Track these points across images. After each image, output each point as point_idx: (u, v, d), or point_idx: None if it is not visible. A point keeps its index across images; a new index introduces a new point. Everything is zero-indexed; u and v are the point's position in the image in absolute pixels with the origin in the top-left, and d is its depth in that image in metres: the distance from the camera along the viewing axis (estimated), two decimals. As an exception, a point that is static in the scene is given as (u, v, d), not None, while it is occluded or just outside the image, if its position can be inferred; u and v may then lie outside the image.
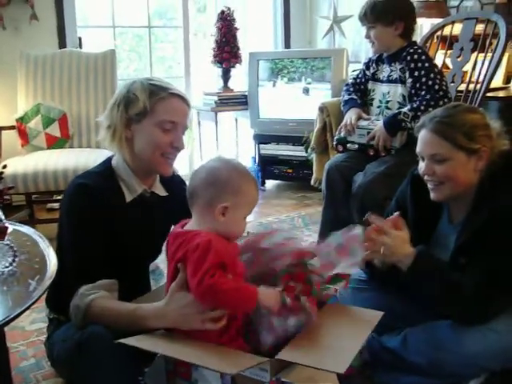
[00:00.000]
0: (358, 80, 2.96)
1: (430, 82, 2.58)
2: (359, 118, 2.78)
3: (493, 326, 1.71)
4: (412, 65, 2.64)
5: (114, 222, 1.71)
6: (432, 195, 1.83)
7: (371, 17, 2.69)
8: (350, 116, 2.79)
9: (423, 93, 2.59)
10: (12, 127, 3.63)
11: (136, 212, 1.78)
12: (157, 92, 1.71)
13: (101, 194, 1.70)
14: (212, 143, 4.76)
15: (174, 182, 1.90)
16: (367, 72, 2.92)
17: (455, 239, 1.82)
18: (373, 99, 2.88)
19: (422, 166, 1.83)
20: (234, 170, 1.51)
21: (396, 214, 1.85)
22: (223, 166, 1.52)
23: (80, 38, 4.39)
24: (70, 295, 1.61)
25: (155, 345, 1.45)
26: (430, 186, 1.82)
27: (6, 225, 1.54)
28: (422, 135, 1.80)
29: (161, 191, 1.88)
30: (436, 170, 1.77)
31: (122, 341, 1.42)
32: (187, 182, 1.62)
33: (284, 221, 3.83)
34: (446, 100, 2.56)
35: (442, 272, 1.75)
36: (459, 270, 1.75)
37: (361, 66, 3.01)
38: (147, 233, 1.79)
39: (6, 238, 1.52)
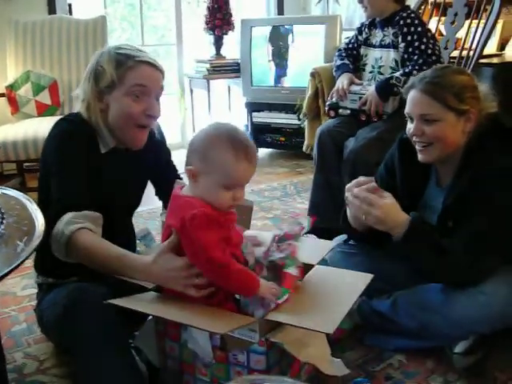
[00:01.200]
0: (351, 45, 2.93)
1: (423, 47, 2.56)
2: (351, 83, 2.76)
3: (482, 288, 1.71)
4: (405, 29, 2.61)
5: (92, 169, 1.69)
6: (420, 157, 1.82)
7: None
8: (342, 81, 2.77)
9: (416, 57, 2.57)
10: (2, 95, 3.61)
11: (110, 163, 1.76)
12: (124, 61, 1.67)
13: (85, 142, 1.70)
14: (204, 111, 4.72)
15: (150, 135, 1.84)
16: (359, 37, 2.89)
17: (442, 201, 1.82)
18: (365, 64, 2.85)
19: (410, 127, 1.83)
20: (212, 135, 1.45)
21: (372, 184, 1.82)
22: (206, 130, 1.47)
23: (70, 5, 4.32)
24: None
25: (144, 306, 1.46)
26: (418, 147, 1.82)
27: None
28: (412, 96, 1.80)
29: None
30: (425, 130, 1.77)
31: (112, 301, 1.42)
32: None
33: (276, 188, 3.83)
34: (438, 65, 2.54)
35: (434, 239, 1.74)
36: (447, 233, 1.76)
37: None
38: (120, 184, 1.78)
39: (-6, 200, 1.51)
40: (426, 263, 1.76)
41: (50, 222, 1.55)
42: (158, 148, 1.95)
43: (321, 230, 2.32)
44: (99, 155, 1.74)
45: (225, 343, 1.44)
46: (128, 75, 1.66)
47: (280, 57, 4.52)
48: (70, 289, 1.61)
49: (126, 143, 1.77)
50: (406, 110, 1.83)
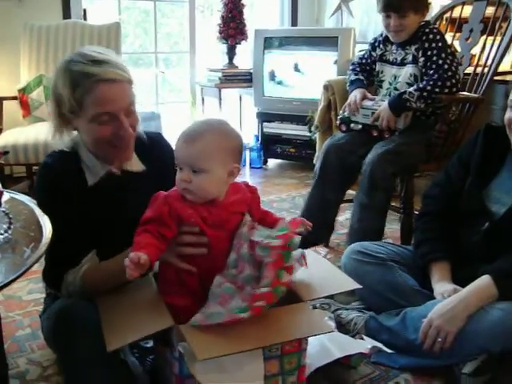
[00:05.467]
0: (364, 60, 2.90)
1: (441, 62, 2.53)
2: (364, 97, 2.73)
3: (498, 305, 1.74)
4: (426, 44, 2.59)
5: (78, 206, 1.61)
6: None
7: (406, 5, 2.58)
8: (355, 95, 2.74)
9: (432, 72, 2.54)
10: (14, 98, 3.62)
11: (102, 196, 1.65)
12: (78, 83, 1.53)
13: (62, 178, 1.62)
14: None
15: (155, 151, 1.75)
16: (373, 53, 2.85)
17: None
18: (382, 81, 2.81)
19: (511, 115, 1.88)
20: None
21: None
22: None
23: (85, 10, 4.34)
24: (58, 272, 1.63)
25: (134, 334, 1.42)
26: None
27: (2, 191, 1.51)
28: None
29: (136, 166, 1.73)
30: None
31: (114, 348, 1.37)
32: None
33: (285, 200, 3.81)
34: (453, 81, 2.52)
35: None
36: None
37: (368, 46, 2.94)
38: (119, 217, 1.59)
39: (2, 205, 1.50)
40: None
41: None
42: (163, 161, 1.75)
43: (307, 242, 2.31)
44: (85, 189, 1.65)
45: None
46: (86, 101, 1.53)
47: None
48: (61, 304, 1.61)
49: (112, 162, 1.67)
50: None
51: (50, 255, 1.60)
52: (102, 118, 1.55)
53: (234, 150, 1.52)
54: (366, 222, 2.53)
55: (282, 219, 1.68)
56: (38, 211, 1.53)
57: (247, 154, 4.82)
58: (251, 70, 4.73)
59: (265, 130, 4.73)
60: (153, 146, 1.77)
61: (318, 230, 2.05)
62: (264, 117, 4.72)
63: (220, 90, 4.66)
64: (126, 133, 1.58)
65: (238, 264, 1.46)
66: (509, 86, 3.26)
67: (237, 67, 4.82)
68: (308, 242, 2.33)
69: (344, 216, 3.36)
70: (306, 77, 4.47)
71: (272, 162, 4.90)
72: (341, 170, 2.64)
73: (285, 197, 3.90)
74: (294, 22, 5.25)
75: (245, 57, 4.99)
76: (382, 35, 2.82)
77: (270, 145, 4.74)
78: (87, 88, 1.52)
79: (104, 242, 1.61)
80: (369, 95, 2.75)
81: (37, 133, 3.21)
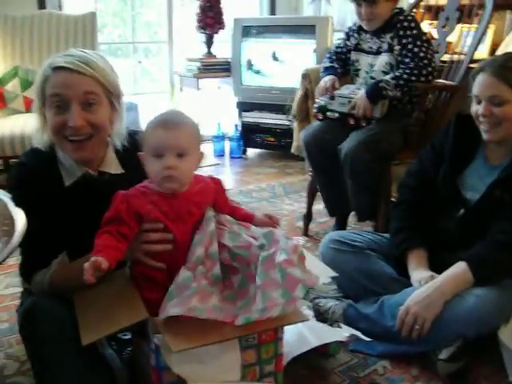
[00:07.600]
0: (340, 49, 2.90)
1: (416, 49, 2.54)
2: (333, 84, 2.73)
3: (474, 291, 1.77)
4: (401, 32, 2.59)
5: (53, 206, 1.60)
6: (486, 136, 1.92)
7: None
8: (325, 80, 2.75)
9: (407, 60, 2.54)
10: (-11, 90, 3.57)
11: (78, 197, 1.64)
12: (44, 72, 1.59)
13: (37, 177, 1.62)
14: (194, 110, 4.69)
15: (136, 155, 1.61)
16: (348, 42, 2.85)
17: (500, 172, 1.91)
18: (358, 70, 2.82)
19: (477, 108, 1.91)
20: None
21: None
22: None
23: (60, 0, 4.29)
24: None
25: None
26: (484, 127, 1.91)
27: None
28: (482, 78, 1.89)
29: (115, 169, 1.71)
30: (494, 111, 1.86)
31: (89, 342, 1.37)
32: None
33: (264, 189, 3.81)
34: (429, 69, 2.53)
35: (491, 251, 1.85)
36: (490, 202, 1.89)
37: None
38: (93, 219, 1.50)
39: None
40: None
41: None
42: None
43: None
44: (62, 190, 1.64)
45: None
46: (46, 86, 1.58)
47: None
48: (28, 303, 1.60)
49: (77, 161, 1.65)
50: (474, 92, 1.92)
51: (23, 252, 1.60)
52: (53, 102, 1.57)
53: (200, 139, 1.56)
54: (356, 200, 2.65)
55: (254, 214, 1.69)
56: (12, 205, 1.51)
57: (227, 144, 4.81)
58: (230, 60, 4.71)
59: (244, 119, 4.71)
60: (136, 148, 1.69)
61: (344, 203, 2.67)
62: (243, 106, 4.70)
63: (198, 80, 4.64)
64: (73, 123, 1.55)
65: (205, 262, 1.45)
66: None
67: (215, 57, 4.79)
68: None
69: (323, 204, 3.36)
70: (285, 65, 4.46)
71: (251, 152, 4.90)
72: (328, 158, 2.68)
73: (264, 186, 3.90)
74: (273, 11, 5.24)
75: (224, 46, 4.96)
76: (355, 24, 2.82)
77: (249, 134, 4.73)
78: (47, 75, 1.58)
79: (77, 244, 1.57)
80: (337, 84, 2.75)
81: (13, 125, 3.17)
